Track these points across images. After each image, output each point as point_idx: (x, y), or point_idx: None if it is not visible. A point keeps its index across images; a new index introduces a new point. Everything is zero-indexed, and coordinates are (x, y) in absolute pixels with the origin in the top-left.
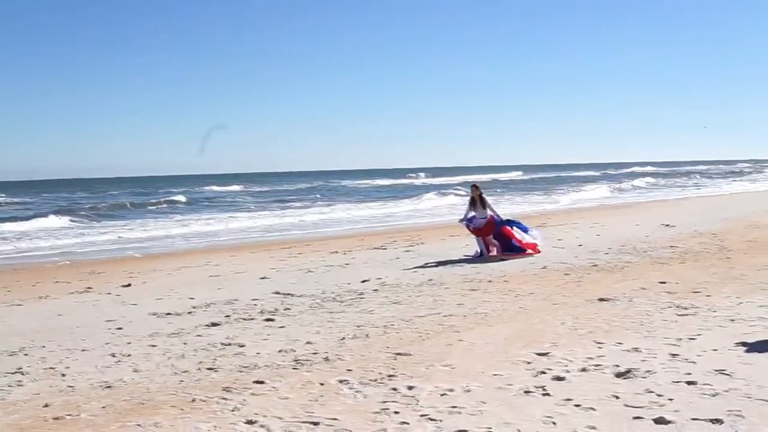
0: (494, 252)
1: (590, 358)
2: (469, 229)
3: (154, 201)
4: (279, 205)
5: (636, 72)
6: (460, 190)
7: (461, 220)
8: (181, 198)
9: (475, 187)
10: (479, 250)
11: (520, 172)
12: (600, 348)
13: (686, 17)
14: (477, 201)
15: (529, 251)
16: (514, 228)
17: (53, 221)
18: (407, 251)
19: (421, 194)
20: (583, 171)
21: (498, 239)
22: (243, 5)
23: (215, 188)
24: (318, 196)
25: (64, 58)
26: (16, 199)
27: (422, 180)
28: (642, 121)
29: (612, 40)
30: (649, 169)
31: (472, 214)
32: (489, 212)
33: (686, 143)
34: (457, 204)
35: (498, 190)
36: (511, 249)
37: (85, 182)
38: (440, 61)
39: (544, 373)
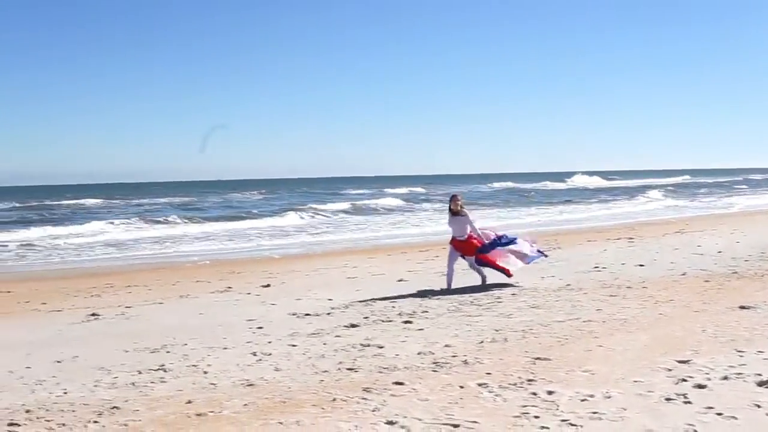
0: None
1: (732, 366)
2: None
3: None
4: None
5: None
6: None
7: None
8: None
9: (454, 198)
10: (448, 280)
11: (687, 176)
12: (741, 356)
13: None
14: (457, 215)
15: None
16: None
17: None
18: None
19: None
20: (755, 175)
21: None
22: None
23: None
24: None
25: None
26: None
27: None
28: None
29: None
30: None
31: (450, 229)
32: (468, 230)
33: None
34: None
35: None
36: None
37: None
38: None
39: (685, 380)
